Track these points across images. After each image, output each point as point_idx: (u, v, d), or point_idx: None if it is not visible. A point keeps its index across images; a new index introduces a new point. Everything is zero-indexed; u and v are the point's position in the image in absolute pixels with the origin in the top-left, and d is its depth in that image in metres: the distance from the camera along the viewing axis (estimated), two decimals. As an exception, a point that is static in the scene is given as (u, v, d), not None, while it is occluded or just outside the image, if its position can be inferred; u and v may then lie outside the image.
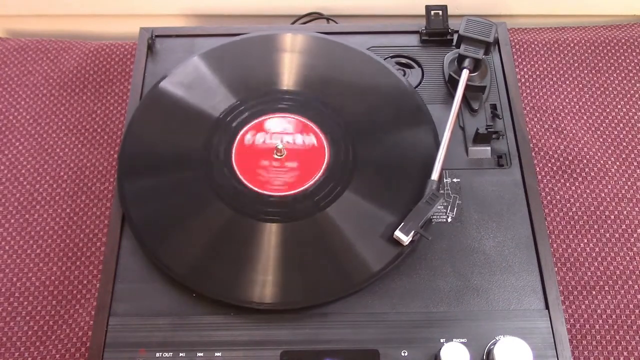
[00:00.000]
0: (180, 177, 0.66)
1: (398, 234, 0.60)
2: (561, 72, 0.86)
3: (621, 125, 0.81)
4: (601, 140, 0.80)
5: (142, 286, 0.62)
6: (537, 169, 0.77)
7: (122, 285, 0.62)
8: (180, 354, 0.58)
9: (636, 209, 0.75)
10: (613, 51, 0.87)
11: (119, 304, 0.61)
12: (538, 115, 0.82)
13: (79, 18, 0.95)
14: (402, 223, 0.61)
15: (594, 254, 0.72)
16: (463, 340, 0.58)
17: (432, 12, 0.78)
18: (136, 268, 0.63)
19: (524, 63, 0.86)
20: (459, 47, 0.72)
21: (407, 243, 0.61)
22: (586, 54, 0.87)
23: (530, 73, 0.86)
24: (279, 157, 0.67)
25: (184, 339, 0.59)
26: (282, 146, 0.66)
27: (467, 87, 0.71)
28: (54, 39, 0.91)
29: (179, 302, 0.61)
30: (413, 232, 0.60)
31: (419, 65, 0.76)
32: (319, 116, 0.69)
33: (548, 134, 0.80)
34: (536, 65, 0.86)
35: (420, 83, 0.75)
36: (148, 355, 0.58)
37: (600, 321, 0.68)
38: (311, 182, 0.65)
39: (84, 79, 0.86)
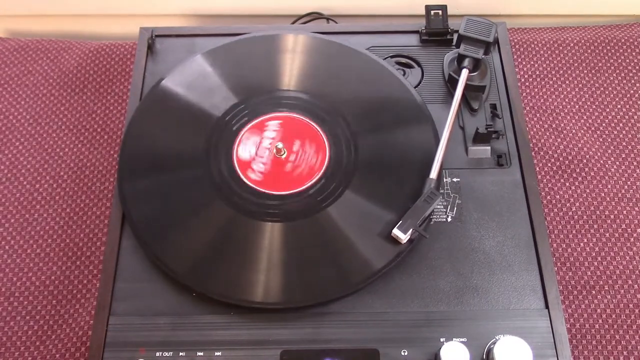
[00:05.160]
0: (180, 177, 0.66)
1: (396, 232, 0.60)
2: (561, 72, 0.86)
3: (621, 125, 0.81)
4: (601, 140, 0.80)
5: (142, 286, 0.62)
6: (537, 168, 0.77)
7: (122, 285, 0.62)
8: (180, 354, 0.58)
9: (636, 208, 0.75)
10: (613, 51, 0.87)
11: (119, 304, 0.61)
12: (538, 115, 0.82)
13: (79, 18, 0.96)
14: (400, 221, 0.61)
15: (594, 254, 0.72)
16: (463, 339, 0.58)
17: (432, 12, 0.78)
18: (136, 268, 0.63)
19: (524, 63, 0.86)
20: (458, 47, 0.72)
21: (405, 241, 0.61)
22: (586, 54, 0.87)
23: (530, 73, 0.86)
24: (280, 157, 0.67)
25: (184, 339, 0.59)
26: (282, 145, 0.66)
27: (467, 87, 0.71)
28: (54, 39, 0.91)
29: (179, 302, 0.61)
30: (411, 230, 0.60)
31: (419, 65, 0.76)
32: (320, 116, 0.69)
33: (548, 133, 0.80)
34: (536, 65, 0.86)
35: (420, 83, 0.75)
36: (148, 355, 0.58)
37: (600, 321, 0.68)
38: (312, 182, 0.65)
39: (84, 79, 0.86)
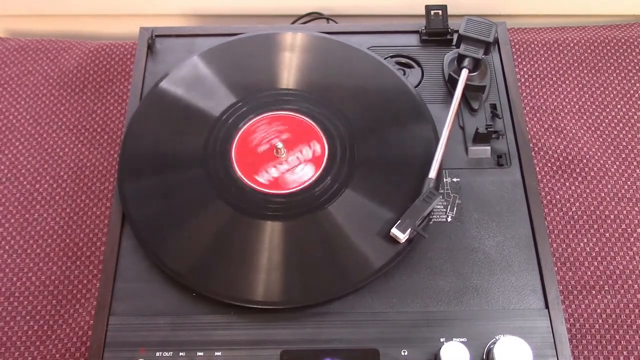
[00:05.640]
0: (180, 177, 0.66)
1: (394, 231, 0.60)
2: (561, 72, 0.86)
3: (621, 125, 0.81)
4: (601, 140, 0.80)
5: (142, 286, 0.62)
6: (537, 168, 0.77)
7: (122, 285, 0.62)
8: (180, 354, 0.58)
9: (636, 208, 0.75)
10: (613, 51, 0.87)
11: (119, 304, 0.61)
12: (538, 115, 0.82)
13: (79, 18, 0.96)
14: (399, 221, 0.61)
15: (594, 254, 0.72)
16: (463, 339, 0.58)
17: (432, 12, 0.78)
18: (136, 268, 0.63)
19: (524, 63, 0.86)
20: (458, 47, 0.72)
21: (403, 241, 0.61)
22: (586, 54, 0.87)
23: (530, 73, 0.86)
24: (279, 156, 0.67)
25: (184, 339, 0.59)
26: (282, 145, 0.66)
27: (467, 87, 0.71)
28: (54, 39, 0.91)
29: (179, 302, 0.61)
30: (410, 230, 0.60)
31: (419, 65, 0.76)
32: (319, 115, 0.69)
33: (548, 133, 0.80)
34: (536, 65, 0.86)
35: (420, 83, 0.75)
36: (148, 355, 0.58)
37: (600, 321, 0.68)
38: (311, 181, 0.65)
39: (84, 79, 0.86)
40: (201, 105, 0.70)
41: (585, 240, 0.73)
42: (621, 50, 0.87)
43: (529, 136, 0.79)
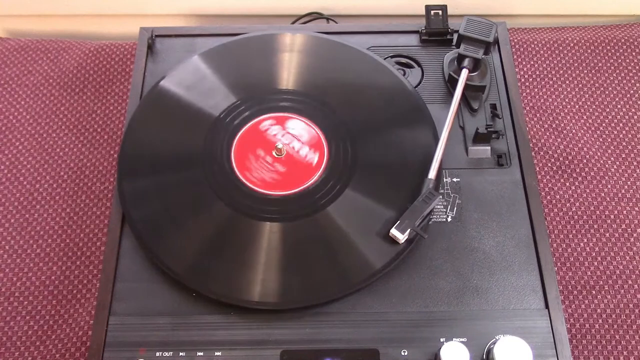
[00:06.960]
0: (180, 177, 0.66)
1: (394, 232, 0.60)
2: (561, 72, 0.86)
3: (621, 125, 0.81)
4: (601, 140, 0.80)
5: (142, 286, 0.62)
6: (537, 168, 0.77)
7: (122, 285, 0.62)
8: (180, 354, 0.58)
9: (636, 208, 0.75)
10: (613, 51, 0.87)
11: (119, 304, 0.61)
12: (538, 115, 0.82)
13: (79, 18, 0.96)
14: (398, 221, 0.61)
15: (594, 254, 0.72)
16: (463, 339, 0.58)
17: (432, 12, 0.78)
18: (136, 268, 0.63)
19: (524, 63, 0.86)
20: (458, 47, 0.72)
21: (403, 241, 0.61)
22: (586, 54, 0.87)
23: (530, 73, 0.86)
24: (279, 157, 0.67)
25: (184, 339, 0.59)
26: (281, 145, 0.66)
27: (467, 87, 0.71)
28: (54, 39, 0.91)
29: (179, 302, 0.61)
30: (409, 230, 0.60)
31: (419, 65, 0.76)
32: (319, 115, 0.69)
33: (548, 133, 0.80)
34: (536, 65, 0.86)
35: (420, 83, 0.75)
36: (148, 355, 0.58)
37: (600, 321, 0.68)
38: (311, 182, 0.65)
39: (84, 79, 0.86)
40: (201, 105, 0.70)
41: (585, 240, 0.73)
42: (621, 50, 0.87)
43: (529, 136, 0.79)
